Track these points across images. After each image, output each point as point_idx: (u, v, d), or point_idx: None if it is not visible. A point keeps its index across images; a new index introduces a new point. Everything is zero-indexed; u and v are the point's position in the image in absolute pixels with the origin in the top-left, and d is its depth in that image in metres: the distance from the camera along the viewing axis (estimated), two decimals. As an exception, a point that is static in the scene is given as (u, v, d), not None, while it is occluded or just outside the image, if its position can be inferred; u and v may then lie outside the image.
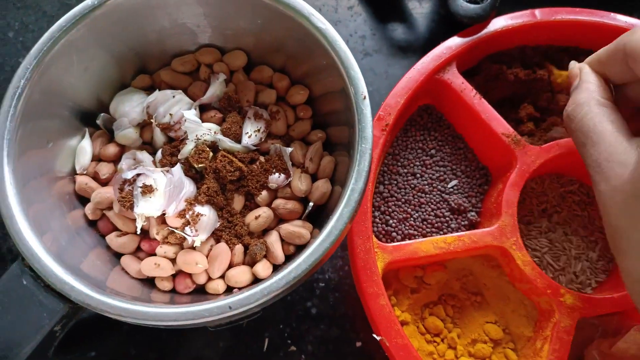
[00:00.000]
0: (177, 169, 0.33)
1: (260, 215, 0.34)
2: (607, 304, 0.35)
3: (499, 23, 0.40)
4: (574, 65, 0.32)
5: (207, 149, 0.34)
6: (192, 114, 0.35)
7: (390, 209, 0.40)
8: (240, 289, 0.33)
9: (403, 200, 0.40)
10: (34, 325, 0.27)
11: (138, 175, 0.33)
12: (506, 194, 0.36)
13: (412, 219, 0.40)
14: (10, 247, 0.44)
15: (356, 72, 0.31)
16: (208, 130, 0.35)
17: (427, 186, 0.40)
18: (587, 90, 0.29)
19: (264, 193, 0.35)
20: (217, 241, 0.34)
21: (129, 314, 0.27)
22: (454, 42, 0.39)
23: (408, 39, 0.51)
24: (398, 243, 0.36)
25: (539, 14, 0.40)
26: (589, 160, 0.27)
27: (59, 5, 0.52)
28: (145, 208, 0.33)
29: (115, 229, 0.35)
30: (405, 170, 0.41)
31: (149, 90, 0.38)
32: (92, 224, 0.36)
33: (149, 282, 0.35)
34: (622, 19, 0.40)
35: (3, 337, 0.27)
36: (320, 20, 0.32)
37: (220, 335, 0.42)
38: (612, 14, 0.40)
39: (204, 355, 0.42)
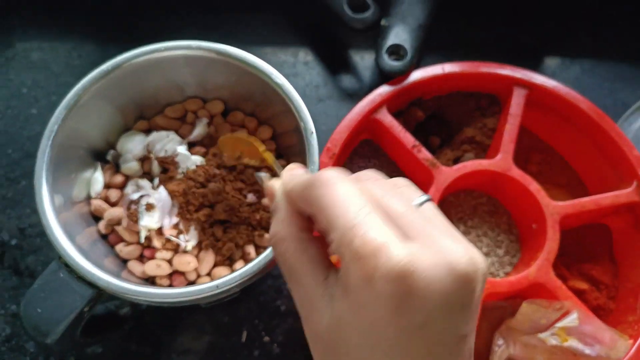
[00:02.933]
0: (162, 190, 0.43)
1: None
2: (506, 284, 0.45)
3: (416, 75, 0.52)
4: (271, 184, 0.30)
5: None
6: (183, 149, 0.45)
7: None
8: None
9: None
10: (69, 306, 0.37)
11: (142, 196, 0.43)
12: (426, 204, 0.47)
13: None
14: (27, 264, 0.53)
15: (306, 114, 0.42)
16: (195, 161, 0.45)
17: (368, 202, 0.51)
18: (283, 222, 0.26)
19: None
20: (207, 248, 0.44)
21: (141, 295, 0.37)
22: (384, 90, 0.51)
23: (354, 87, 0.62)
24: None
25: (446, 67, 0.52)
26: (295, 297, 0.26)
27: (65, 65, 0.62)
28: (148, 221, 0.43)
29: (123, 240, 0.45)
30: (351, 190, 0.52)
31: (147, 132, 0.49)
32: (104, 237, 0.45)
33: (151, 282, 0.44)
34: (504, 71, 0.52)
35: (46, 317, 0.36)
36: (279, 78, 0.43)
37: (205, 330, 0.51)
38: (499, 66, 0.53)
39: (192, 347, 0.51)
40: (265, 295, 0.53)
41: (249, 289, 0.53)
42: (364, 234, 0.21)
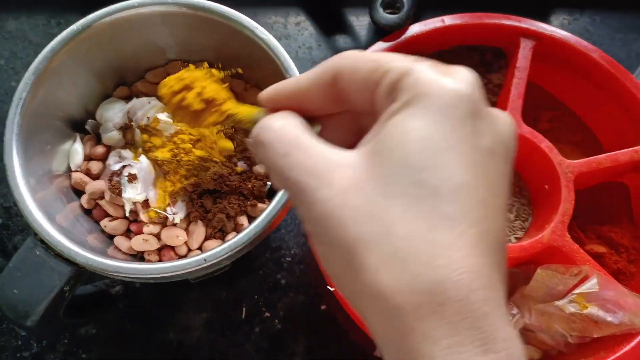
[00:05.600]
0: (143, 159, 0.41)
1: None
2: (518, 249, 0.42)
3: (414, 29, 0.48)
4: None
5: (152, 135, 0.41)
6: (164, 116, 0.42)
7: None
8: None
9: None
10: (48, 286, 0.34)
11: (124, 167, 0.40)
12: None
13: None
14: (15, 244, 0.50)
15: (295, 72, 0.39)
16: (179, 128, 0.42)
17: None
18: (283, 117, 0.22)
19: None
20: (195, 220, 0.41)
21: (124, 271, 0.34)
22: (379, 47, 0.47)
23: (349, 47, 0.59)
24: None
25: (447, 20, 0.48)
26: (296, 170, 0.20)
27: (43, 34, 0.58)
28: (131, 193, 0.40)
29: (107, 215, 0.42)
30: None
31: (127, 99, 0.45)
32: (87, 212, 0.42)
33: (140, 258, 0.41)
34: (509, 22, 0.48)
35: (24, 297, 0.34)
36: (263, 32, 0.40)
37: (203, 307, 0.49)
38: (504, 17, 0.49)
39: (190, 324, 0.48)
40: (265, 269, 0.50)
41: (247, 263, 0.50)
42: (427, 66, 0.20)
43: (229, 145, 0.38)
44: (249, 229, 0.35)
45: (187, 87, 0.25)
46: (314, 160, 0.20)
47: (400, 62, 0.20)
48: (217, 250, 0.34)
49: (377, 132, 0.20)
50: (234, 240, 0.35)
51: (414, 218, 0.18)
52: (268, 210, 0.36)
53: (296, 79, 0.23)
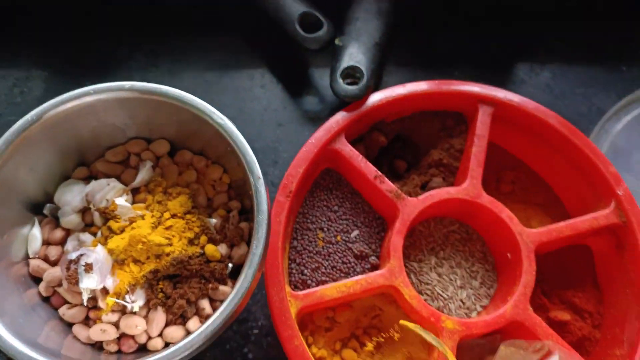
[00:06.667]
0: (99, 249, 0.40)
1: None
2: (482, 324, 0.42)
3: (376, 97, 0.48)
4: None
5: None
6: (122, 201, 0.42)
7: (304, 261, 0.47)
8: (175, 344, 0.39)
9: (314, 252, 0.47)
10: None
11: (81, 255, 0.40)
12: (392, 240, 0.44)
13: (323, 267, 0.47)
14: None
15: (251, 157, 0.39)
16: (137, 212, 0.42)
17: (333, 238, 0.48)
18: None
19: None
20: (155, 307, 0.40)
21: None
22: (341, 117, 0.47)
23: (315, 109, 0.59)
24: (307, 291, 0.43)
25: (408, 87, 0.48)
26: None
27: (6, 104, 0.58)
28: (88, 283, 0.39)
29: (66, 302, 0.41)
30: (314, 226, 0.48)
31: (87, 179, 0.45)
32: (45, 300, 0.42)
33: (98, 347, 0.41)
34: (467, 88, 0.49)
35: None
36: (220, 117, 0.40)
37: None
38: (462, 83, 0.50)
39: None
40: (231, 342, 0.50)
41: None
42: None
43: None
44: (207, 324, 0.35)
45: None
46: None
47: None
48: (171, 351, 0.34)
49: None
50: (189, 339, 0.34)
51: None
52: (228, 300, 0.36)
53: None
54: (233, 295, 0.35)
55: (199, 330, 0.34)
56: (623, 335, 0.43)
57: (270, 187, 0.54)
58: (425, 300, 0.45)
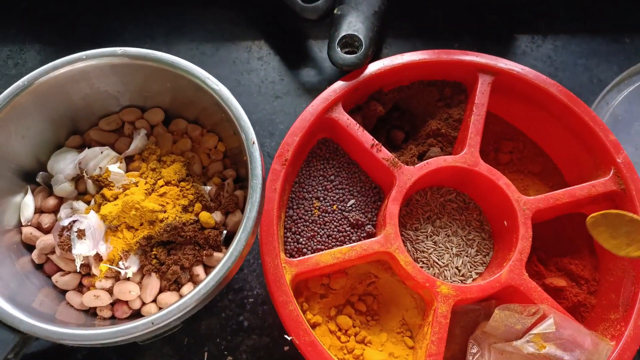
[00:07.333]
0: (92, 215, 0.40)
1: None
2: (476, 289, 0.42)
3: (374, 67, 0.48)
4: None
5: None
6: (115, 167, 0.41)
7: (300, 229, 0.47)
8: (170, 309, 0.39)
9: (310, 220, 0.47)
10: (-9, 355, 0.33)
11: (74, 222, 0.40)
12: (388, 208, 0.44)
13: (318, 236, 0.47)
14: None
15: (246, 122, 0.38)
16: (131, 179, 0.41)
17: (329, 207, 0.47)
18: None
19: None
20: (149, 273, 0.40)
21: (69, 337, 0.33)
22: (338, 86, 0.47)
23: (313, 80, 0.58)
24: (302, 257, 0.43)
25: (405, 57, 0.48)
26: None
27: (0, 76, 0.57)
28: (81, 249, 0.39)
29: (59, 269, 0.41)
30: (310, 195, 0.48)
31: (81, 148, 0.44)
32: (38, 267, 0.41)
33: (92, 313, 0.41)
34: (467, 57, 0.48)
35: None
36: (214, 83, 0.39)
37: (164, 353, 0.48)
38: (462, 52, 0.49)
39: (152, 373, 0.47)
40: (227, 311, 0.50)
41: (209, 305, 0.49)
42: None
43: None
44: (200, 287, 0.35)
45: None
46: None
47: None
48: (165, 312, 0.34)
49: None
50: (183, 301, 0.34)
51: None
52: (222, 263, 0.35)
53: None
54: (226, 258, 0.35)
55: (191, 292, 0.34)
56: (618, 300, 0.43)
57: (267, 159, 0.54)
58: (421, 267, 0.45)
